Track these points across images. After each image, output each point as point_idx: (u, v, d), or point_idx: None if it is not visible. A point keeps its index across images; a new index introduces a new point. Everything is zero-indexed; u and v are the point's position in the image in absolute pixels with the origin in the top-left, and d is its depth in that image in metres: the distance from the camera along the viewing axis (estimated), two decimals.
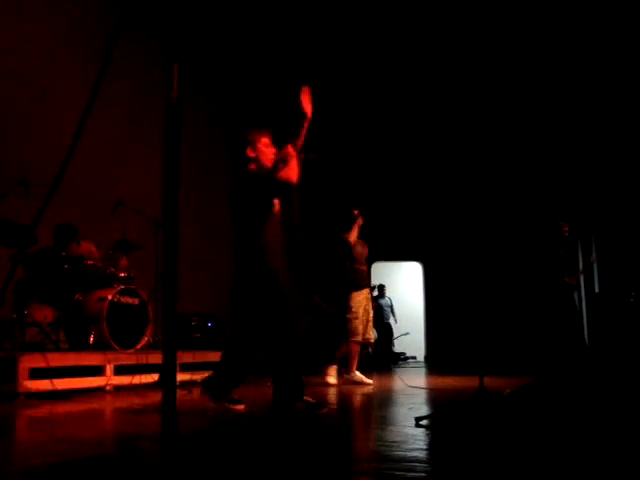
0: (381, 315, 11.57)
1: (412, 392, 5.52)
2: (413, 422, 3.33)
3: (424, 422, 3.34)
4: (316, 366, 7.46)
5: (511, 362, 8.23)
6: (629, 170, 8.98)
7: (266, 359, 3.85)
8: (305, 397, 3.80)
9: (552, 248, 7.03)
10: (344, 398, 5.20)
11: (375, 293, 10.94)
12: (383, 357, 11.09)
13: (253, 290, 3.80)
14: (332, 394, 5.40)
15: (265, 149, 3.89)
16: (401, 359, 12.02)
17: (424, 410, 4.07)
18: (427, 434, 3.09)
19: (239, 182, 3.84)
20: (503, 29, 8.61)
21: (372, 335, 6.69)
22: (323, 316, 8.66)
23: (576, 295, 8.81)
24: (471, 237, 8.60)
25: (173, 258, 1.91)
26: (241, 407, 3.92)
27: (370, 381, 6.42)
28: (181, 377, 5.55)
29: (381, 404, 4.82)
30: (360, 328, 6.31)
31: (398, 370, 9.55)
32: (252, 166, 3.89)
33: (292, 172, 3.69)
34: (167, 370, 1.92)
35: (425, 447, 2.77)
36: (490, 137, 9.61)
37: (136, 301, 6.03)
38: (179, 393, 4.79)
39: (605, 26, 7.78)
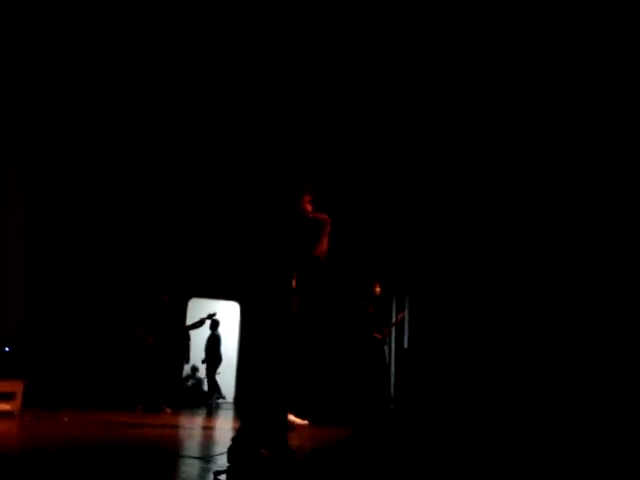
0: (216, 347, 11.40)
1: (219, 437, 5.42)
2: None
3: (222, 477, 3.27)
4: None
5: (325, 410, 8.40)
6: (445, 234, 9.71)
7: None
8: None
9: (362, 305, 7.42)
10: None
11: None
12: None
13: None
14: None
15: (305, 205, 4.22)
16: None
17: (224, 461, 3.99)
18: None
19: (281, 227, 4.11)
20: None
21: None
22: (144, 348, 8.40)
23: (387, 349, 9.28)
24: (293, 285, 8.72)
25: None
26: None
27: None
28: None
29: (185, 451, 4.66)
30: None
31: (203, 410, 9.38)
32: (289, 215, 4.17)
33: (324, 250, 3.96)
34: None
35: None
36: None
37: None
38: None
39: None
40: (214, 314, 9.19)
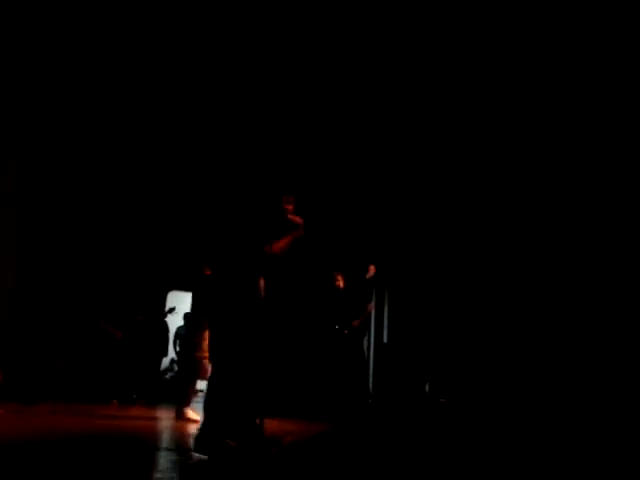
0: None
1: (193, 429, 5.36)
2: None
3: (194, 468, 3.23)
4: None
5: (303, 405, 8.34)
6: (425, 229, 9.70)
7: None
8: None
9: (325, 298, 7.43)
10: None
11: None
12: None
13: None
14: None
15: (286, 204, 4.18)
16: None
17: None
18: None
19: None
20: None
21: None
22: (111, 342, 8.30)
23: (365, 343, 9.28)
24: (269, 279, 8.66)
25: None
26: None
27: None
28: None
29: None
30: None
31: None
32: (268, 210, 4.15)
33: (280, 247, 3.97)
34: None
35: None
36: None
37: None
38: None
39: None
40: (173, 308, 9.15)
